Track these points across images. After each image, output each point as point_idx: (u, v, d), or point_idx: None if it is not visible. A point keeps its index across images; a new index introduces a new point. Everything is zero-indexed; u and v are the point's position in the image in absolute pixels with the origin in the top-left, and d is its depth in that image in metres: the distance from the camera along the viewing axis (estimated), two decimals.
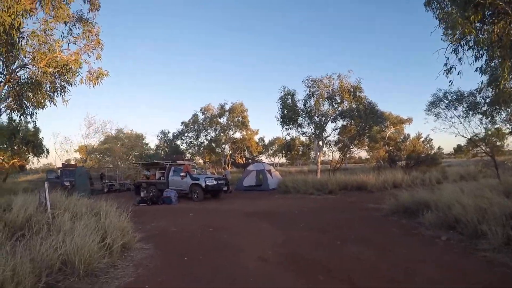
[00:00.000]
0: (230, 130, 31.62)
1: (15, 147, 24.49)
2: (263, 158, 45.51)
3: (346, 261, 5.57)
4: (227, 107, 31.06)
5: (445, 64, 9.63)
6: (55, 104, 9.54)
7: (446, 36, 10.33)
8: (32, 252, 4.69)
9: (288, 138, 24.77)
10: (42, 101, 8.85)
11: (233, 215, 11.06)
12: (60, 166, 21.96)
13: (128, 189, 23.24)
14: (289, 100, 22.02)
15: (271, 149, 49.90)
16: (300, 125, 22.66)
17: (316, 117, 21.93)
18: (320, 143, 23.04)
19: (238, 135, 32.58)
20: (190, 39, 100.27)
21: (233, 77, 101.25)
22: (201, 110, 31.66)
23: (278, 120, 22.43)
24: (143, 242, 7.18)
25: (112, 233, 6.09)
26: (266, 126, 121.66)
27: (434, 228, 7.42)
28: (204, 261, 5.81)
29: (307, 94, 21.78)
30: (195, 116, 31.83)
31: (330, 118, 21.98)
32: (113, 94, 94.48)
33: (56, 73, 8.34)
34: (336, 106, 21.75)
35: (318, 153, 23.23)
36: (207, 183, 15.32)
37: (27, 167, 28.82)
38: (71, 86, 9.24)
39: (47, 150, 27.04)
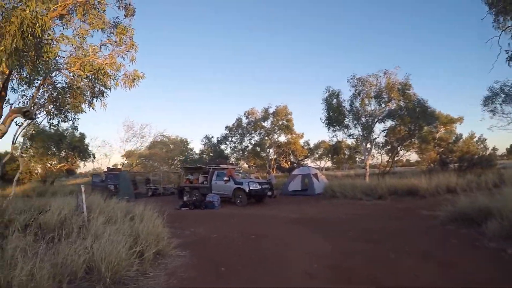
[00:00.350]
0: (275, 134, 31.08)
1: (63, 152, 25.93)
2: (308, 162, 44.52)
3: (403, 278, 4.71)
4: (271, 110, 30.61)
5: (506, 51, 8.39)
6: (93, 109, 9.57)
7: (496, 24, 9.29)
8: (56, 257, 4.41)
9: (335, 140, 23.45)
10: (78, 105, 8.83)
11: (277, 221, 10.37)
12: (105, 170, 22.79)
13: (172, 193, 23.43)
14: (334, 101, 20.94)
15: (317, 153, 48.72)
16: (347, 127, 21.41)
17: (363, 118, 20.64)
18: (368, 145, 21.68)
19: (282, 138, 31.98)
20: (231, 42, 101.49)
21: (278, 79, 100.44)
22: (244, 114, 31.54)
23: (323, 122, 21.45)
24: (180, 248, 6.75)
25: (145, 239, 5.73)
26: (311, 129, 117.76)
27: (498, 239, 6.22)
28: (243, 273, 5.20)
29: (353, 94, 20.62)
30: (238, 120, 31.77)
31: (378, 118, 20.54)
32: (155, 99, 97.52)
33: (93, 77, 8.27)
34: (383, 105, 20.29)
35: (366, 156, 21.75)
36: (250, 188, 14.84)
37: (77, 171, 30.39)
38: (109, 90, 9.20)
39: (93, 155, 28.38)
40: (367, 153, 21.74)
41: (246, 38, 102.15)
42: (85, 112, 9.87)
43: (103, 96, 9.34)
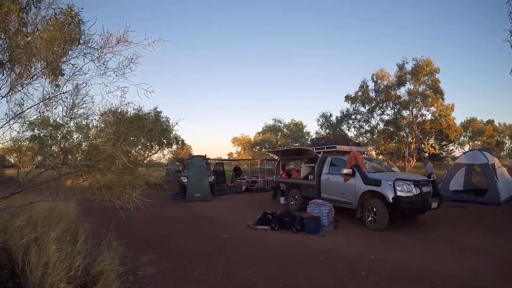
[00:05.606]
0: (415, 105, 21.63)
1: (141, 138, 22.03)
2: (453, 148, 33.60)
3: None
4: (407, 67, 21.19)
5: None
6: None
7: None
8: None
9: None
10: None
11: None
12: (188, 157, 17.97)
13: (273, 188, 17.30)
14: None
15: (464, 136, 36.56)
16: None
17: None
18: None
19: (426, 112, 22.28)
20: None
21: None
22: (372, 78, 22.77)
23: None
24: None
25: None
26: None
27: None
28: None
29: None
30: (363, 87, 23.11)
31: None
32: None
33: None
34: None
35: None
36: (398, 193, 7.29)
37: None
38: None
39: (181, 140, 23.86)
40: None
41: None
42: None
43: None
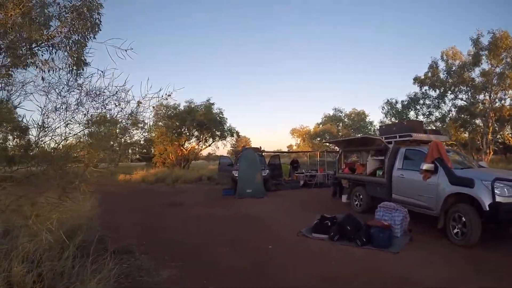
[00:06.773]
0: (492, 88, 18.58)
1: (195, 132, 21.80)
2: None
3: None
4: (484, 41, 18.22)
5: None
6: None
7: None
8: None
9: None
10: None
11: None
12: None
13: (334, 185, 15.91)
14: None
15: None
16: None
17: None
18: None
19: (504, 96, 19.10)
20: None
21: None
22: (441, 57, 20.12)
23: None
24: None
25: None
26: None
27: None
28: None
29: None
30: (433, 68, 20.50)
31: None
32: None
33: None
34: None
35: None
36: (497, 198, 5.56)
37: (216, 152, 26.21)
38: None
39: (236, 132, 23.28)
40: None
41: None
42: None
43: None
